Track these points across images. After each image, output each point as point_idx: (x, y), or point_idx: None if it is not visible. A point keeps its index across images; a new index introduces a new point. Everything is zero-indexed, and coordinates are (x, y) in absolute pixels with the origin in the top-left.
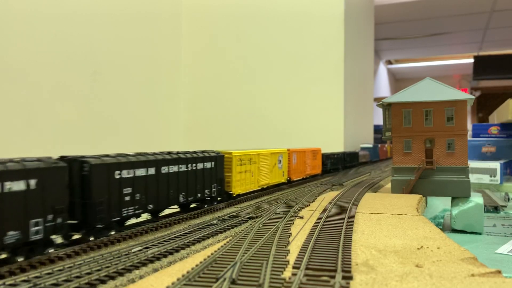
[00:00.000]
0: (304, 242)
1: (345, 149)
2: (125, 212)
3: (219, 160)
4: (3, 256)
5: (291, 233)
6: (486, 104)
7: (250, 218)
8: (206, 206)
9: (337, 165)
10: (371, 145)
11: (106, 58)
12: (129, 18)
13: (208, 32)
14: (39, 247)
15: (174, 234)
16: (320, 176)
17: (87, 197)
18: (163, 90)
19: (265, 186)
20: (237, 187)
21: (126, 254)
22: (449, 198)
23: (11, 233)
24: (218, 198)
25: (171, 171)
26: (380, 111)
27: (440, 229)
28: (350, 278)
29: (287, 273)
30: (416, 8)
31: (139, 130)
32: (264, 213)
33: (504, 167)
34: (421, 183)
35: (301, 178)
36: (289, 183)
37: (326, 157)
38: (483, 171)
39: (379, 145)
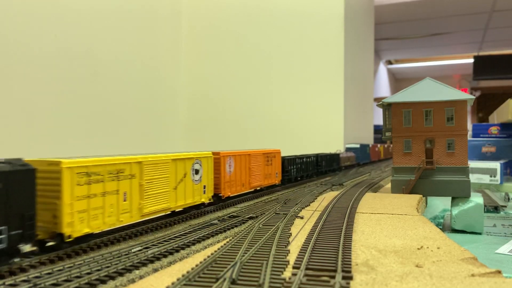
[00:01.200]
0: (304, 242)
1: (345, 149)
2: None
3: (20, 179)
4: None
5: (291, 233)
6: (486, 104)
7: (250, 218)
8: None
9: (306, 171)
10: (358, 145)
11: (106, 58)
12: (129, 18)
13: (208, 32)
14: None
15: (174, 234)
16: (278, 187)
17: None
18: (163, 90)
19: (160, 214)
20: (80, 224)
21: (126, 254)
22: (449, 198)
23: None
24: (25, 248)
25: None
26: (380, 111)
27: (440, 229)
28: (350, 278)
29: (287, 273)
30: (416, 8)
31: (139, 130)
32: (264, 213)
33: (504, 167)
34: (421, 183)
35: (244, 192)
36: (221, 201)
37: (289, 162)
38: (483, 171)
39: (370, 145)
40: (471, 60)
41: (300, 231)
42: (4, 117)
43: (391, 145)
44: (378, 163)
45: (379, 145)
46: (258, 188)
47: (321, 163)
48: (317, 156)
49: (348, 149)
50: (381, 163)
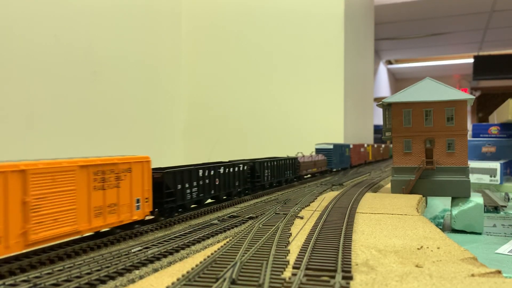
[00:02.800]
0: (304, 242)
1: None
2: None
3: None
4: None
5: (291, 233)
6: (486, 104)
7: (250, 218)
8: None
9: (226, 188)
10: (331, 146)
11: (106, 58)
12: (129, 18)
13: (208, 31)
14: None
15: (174, 234)
16: (150, 224)
17: None
18: (163, 90)
19: None
20: None
21: (126, 254)
22: (449, 198)
23: None
24: None
25: None
26: (380, 111)
27: (440, 229)
28: (350, 278)
29: (287, 273)
30: (416, 8)
31: (139, 130)
32: (264, 213)
33: (504, 167)
34: (421, 183)
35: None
36: None
37: (177, 178)
38: (483, 171)
39: (351, 145)
40: (471, 60)
41: (300, 231)
42: (3, 117)
43: (383, 146)
44: (365, 166)
45: (365, 145)
46: (72, 238)
47: (260, 174)
48: (253, 163)
49: (318, 151)
50: (367, 167)
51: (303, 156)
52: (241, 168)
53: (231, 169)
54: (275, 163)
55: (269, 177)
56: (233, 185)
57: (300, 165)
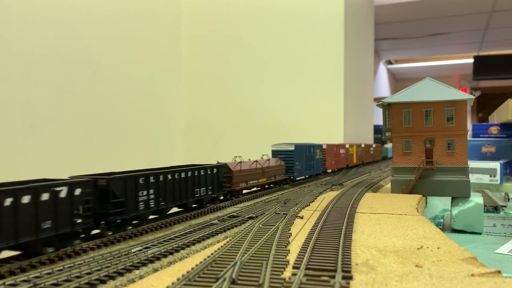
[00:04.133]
0: (304, 242)
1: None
2: None
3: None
4: None
5: (291, 233)
6: (486, 104)
7: (250, 218)
8: None
9: (17, 237)
10: (292, 147)
11: (106, 58)
12: (129, 18)
13: (207, 32)
14: None
15: (174, 234)
16: None
17: None
18: (163, 90)
19: None
20: None
21: (126, 254)
22: (449, 198)
23: None
24: None
25: None
26: (380, 111)
27: (440, 229)
28: (350, 278)
29: (287, 273)
30: (416, 8)
31: (139, 130)
32: (264, 213)
33: (504, 167)
34: (421, 183)
35: None
36: None
37: None
38: (483, 171)
39: (325, 145)
40: (471, 60)
41: (300, 231)
42: (3, 117)
43: (374, 146)
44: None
45: (347, 145)
46: None
47: (127, 199)
48: (107, 181)
49: (275, 153)
50: (367, 167)
51: (241, 161)
52: (62, 194)
53: (31, 198)
54: (169, 176)
55: (152, 202)
56: (35, 230)
57: (232, 176)
